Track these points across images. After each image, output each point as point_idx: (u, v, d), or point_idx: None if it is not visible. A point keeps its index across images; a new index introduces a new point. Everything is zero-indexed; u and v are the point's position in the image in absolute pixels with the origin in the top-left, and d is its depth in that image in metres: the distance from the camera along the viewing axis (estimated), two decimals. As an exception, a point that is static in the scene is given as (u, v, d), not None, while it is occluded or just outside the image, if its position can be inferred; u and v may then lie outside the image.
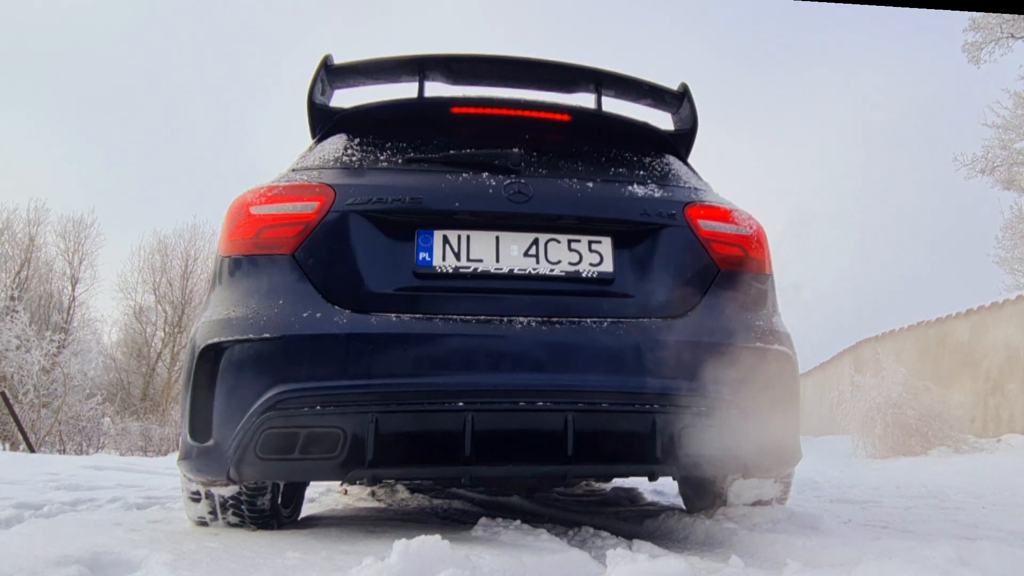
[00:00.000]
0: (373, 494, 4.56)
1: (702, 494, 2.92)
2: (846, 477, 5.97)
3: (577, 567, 1.99)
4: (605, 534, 2.59)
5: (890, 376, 8.79)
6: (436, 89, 2.93)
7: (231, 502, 2.47)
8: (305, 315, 2.19)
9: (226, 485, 2.36)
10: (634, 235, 2.43)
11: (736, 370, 2.30)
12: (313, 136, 2.88)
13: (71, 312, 28.93)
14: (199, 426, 2.20)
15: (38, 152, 43.97)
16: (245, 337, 2.18)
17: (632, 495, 3.98)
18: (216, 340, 2.20)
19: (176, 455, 2.40)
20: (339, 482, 3.89)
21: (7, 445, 16.75)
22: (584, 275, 2.36)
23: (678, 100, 3.01)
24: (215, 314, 2.27)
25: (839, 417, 9.92)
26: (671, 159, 2.85)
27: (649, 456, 2.23)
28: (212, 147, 49.88)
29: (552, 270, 2.34)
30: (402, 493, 4.59)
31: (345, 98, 3.02)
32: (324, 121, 2.84)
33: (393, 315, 2.22)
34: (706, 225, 2.48)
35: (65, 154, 45.38)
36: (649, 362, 2.25)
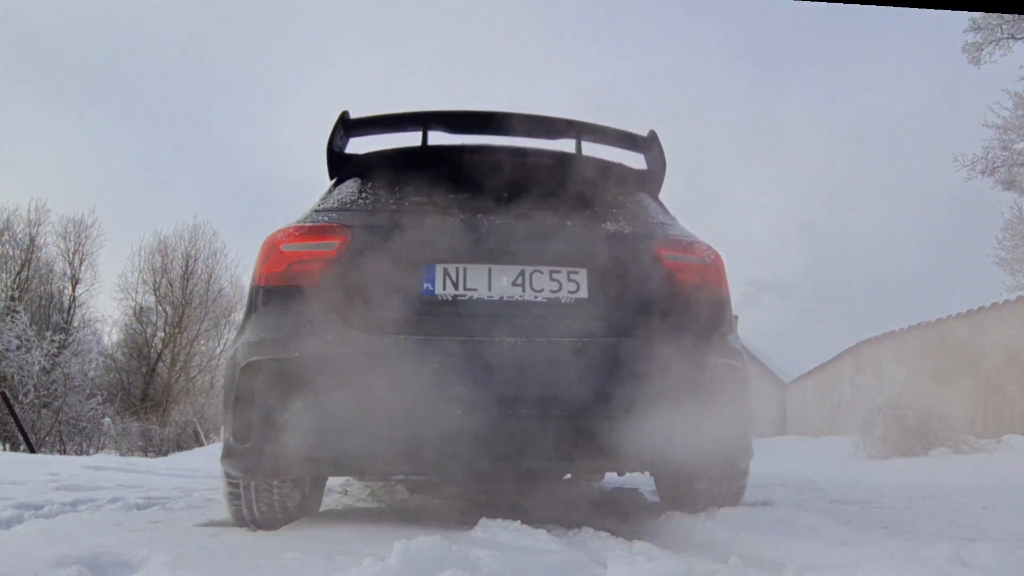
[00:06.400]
0: (373, 494, 4.56)
1: (672, 487, 3.31)
2: (846, 478, 5.96)
3: (577, 568, 1.99)
4: (605, 534, 2.60)
5: (890, 377, 8.79)
6: (438, 138, 3.28)
7: (264, 494, 2.80)
8: (328, 337, 2.56)
9: (263, 480, 2.74)
10: (607, 266, 2.78)
11: (694, 381, 2.65)
12: (331, 178, 3.24)
13: (71, 312, 28.93)
14: (240, 430, 2.57)
15: (38, 152, 44.00)
16: (279, 356, 2.55)
17: (632, 496, 3.98)
18: (255, 358, 2.58)
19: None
20: (343, 480, 3.95)
21: (7, 445, 16.74)
22: (563, 301, 2.72)
23: (648, 144, 3.33)
24: (253, 336, 2.64)
25: (839, 418, 9.92)
26: (642, 196, 3.22)
27: (621, 455, 2.60)
28: (213, 147, 49.89)
29: (536, 297, 2.71)
30: (402, 493, 4.58)
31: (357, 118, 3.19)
32: (341, 166, 3.22)
33: (402, 336, 2.56)
34: (669, 257, 2.85)
35: (65, 154, 45.41)
36: (619, 375, 2.61)
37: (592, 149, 3.32)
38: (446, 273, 2.70)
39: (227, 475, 2.76)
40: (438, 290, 2.68)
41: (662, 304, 2.77)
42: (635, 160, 3.42)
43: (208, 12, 47.06)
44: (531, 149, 3.30)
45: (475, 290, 2.69)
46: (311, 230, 2.74)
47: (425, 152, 3.21)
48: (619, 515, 3.28)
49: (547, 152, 3.29)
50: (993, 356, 9.84)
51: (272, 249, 2.73)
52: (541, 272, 2.74)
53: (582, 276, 2.76)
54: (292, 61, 50.52)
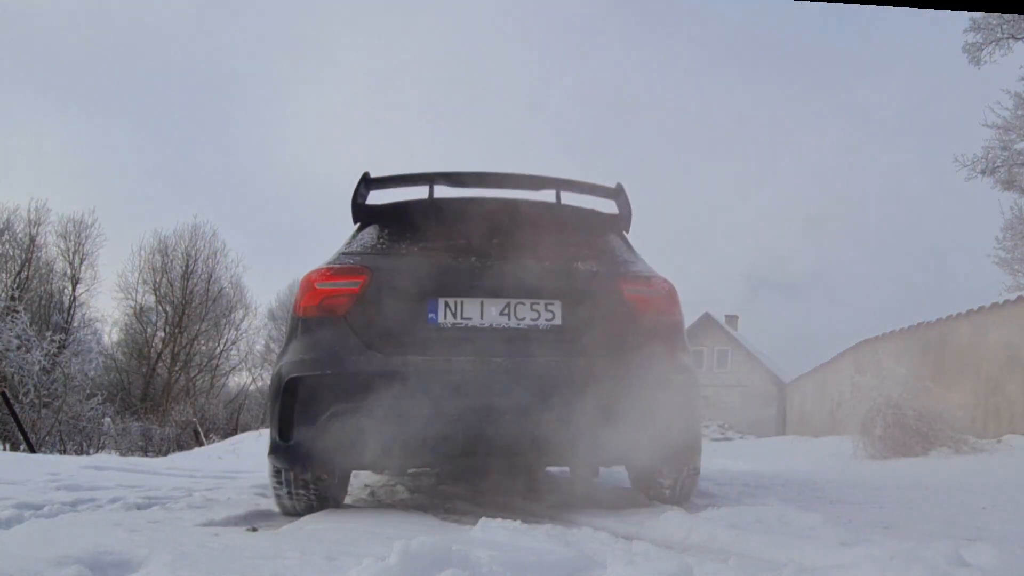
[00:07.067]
0: (373, 494, 4.56)
1: (640, 478, 3.80)
2: (846, 478, 5.96)
3: (577, 568, 2.00)
4: (605, 534, 2.60)
5: (890, 377, 8.77)
6: (442, 192, 3.86)
7: (302, 483, 3.33)
8: (353, 358, 3.17)
9: (301, 471, 3.29)
10: (578, 298, 3.33)
11: (650, 392, 3.19)
12: (355, 223, 3.84)
13: (72, 312, 28.91)
14: (284, 431, 3.18)
15: (38, 152, 43.98)
16: (314, 373, 3.17)
17: (632, 495, 3.98)
18: (296, 375, 3.19)
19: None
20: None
21: (7, 445, 16.74)
22: (542, 327, 3.29)
23: (617, 193, 3.90)
24: (294, 357, 3.25)
25: (840, 418, 9.91)
26: (612, 237, 3.83)
27: (589, 452, 3.21)
28: (213, 147, 49.88)
29: (519, 324, 3.28)
30: (402, 493, 4.59)
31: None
32: (362, 215, 3.82)
33: (411, 357, 3.16)
34: (630, 290, 3.42)
35: (65, 154, 45.39)
36: (587, 388, 3.13)
37: (571, 199, 3.91)
38: (447, 305, 3.28)
39: (273, 467, 3.33)
40: (440, 319, 3.26)
41: (623, 329, 3.33)
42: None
43: (209, 12, 47.04)
44: (517, 200, 3.86)
45: (470, 319, 3.27)
46: (339, 271, 3.36)
47: (431, 204, 3.80)
48: (618, 515, 3.28)
49: (531, 202, 3.87)
50: (993, 356, 9.83)
51: (309, 286, 3.35)
52: (524, 303, 3.30)
53: (557, 307, 3.32)
54: (294, 60, 50.52)
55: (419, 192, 3.86)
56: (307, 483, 3.34)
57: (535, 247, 3.46)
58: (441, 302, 3.27)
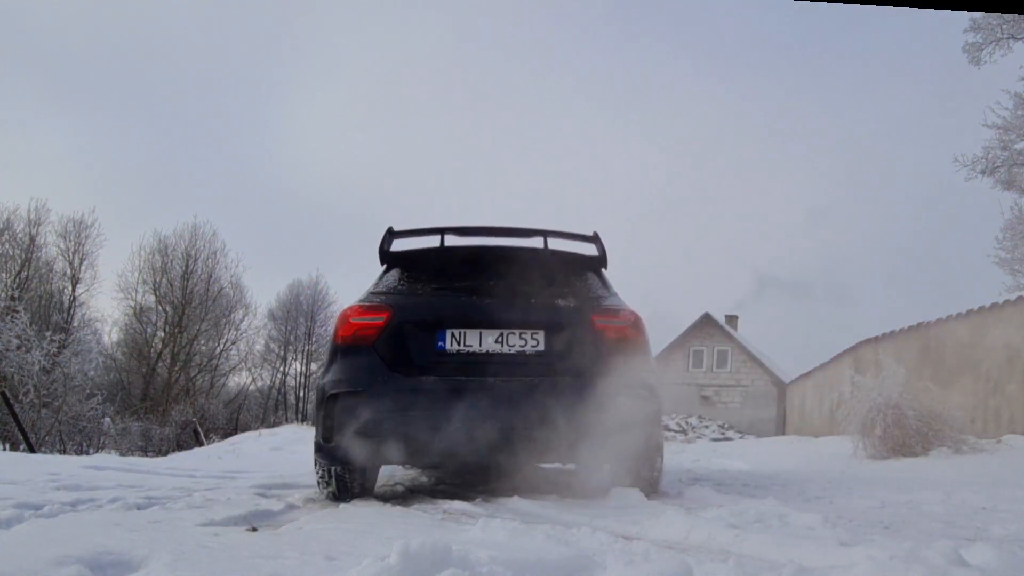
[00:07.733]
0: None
1: (616, 474, 4.28)
2: (846, 478, 5.96)
3: (577, 568, 2.00)
4: (604, 534, 2.60)
5: (890, 377, 8.75)
6: (451, 240, 4.67)
7: (338, 476, 4.09)
8: (379, 378, 3.96)
9: (340, 466, 4.05)
10: (558, 328, 4.10)
11: (617, 405, 3.84)
12: (382, 264, 4.64)
13: (71, 312, 28.91)
14: (327, 435, 3.96)
15: (39, 151, 43.96)
16: (348, 390, 3.96)
17: (632, 495, 3.98)
18: (336, 391, 3.99)
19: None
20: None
21: (7, 445, 16.73)
22: (528, 352, 4.06)
23: (594, 239, 4.66)
24: (334, 376, 4.04)
25: (840, 418, 9.90)
26: (590, 275, 4.60)
27: (567, 452, 3.99)
28: (213, 147, 49.87)
29: (510, 350, 4.05)
30: (402, 493, 4.58)
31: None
32: (388, 260, 4.61)
33: (425, 377, 3.97)
34: (600, 321, 4.13)
35: (66, 154, 45.38)
36: (564, 401, 3.85)
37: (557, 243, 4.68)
38: (452, 335, 4.04)
39: (317, 464, 4.12)
40: (447, 347, 4.03)
41: (595, 354, 4.01)
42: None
43: (209, 13, 47.03)
44: (511, 248, 4.65)
45: (471, 346, 4.03)
46: (369, 308, 4.16)
47: (442, 251, 4.61)
48: (618, 514, 3.28)
49: (521, 249, 4.64)
50: (993, 356, 9.82)
51: (345, 319, 4.16)
52: (514, 333, 4.05)
53: (541, 336, 4.07)
54: (295, 59, 50.50)
55: (433, 241, 4.65)
56: (344, 476, 4.09)
57: (524, 287, 4.23)
58: (448, 333, 4.03)
